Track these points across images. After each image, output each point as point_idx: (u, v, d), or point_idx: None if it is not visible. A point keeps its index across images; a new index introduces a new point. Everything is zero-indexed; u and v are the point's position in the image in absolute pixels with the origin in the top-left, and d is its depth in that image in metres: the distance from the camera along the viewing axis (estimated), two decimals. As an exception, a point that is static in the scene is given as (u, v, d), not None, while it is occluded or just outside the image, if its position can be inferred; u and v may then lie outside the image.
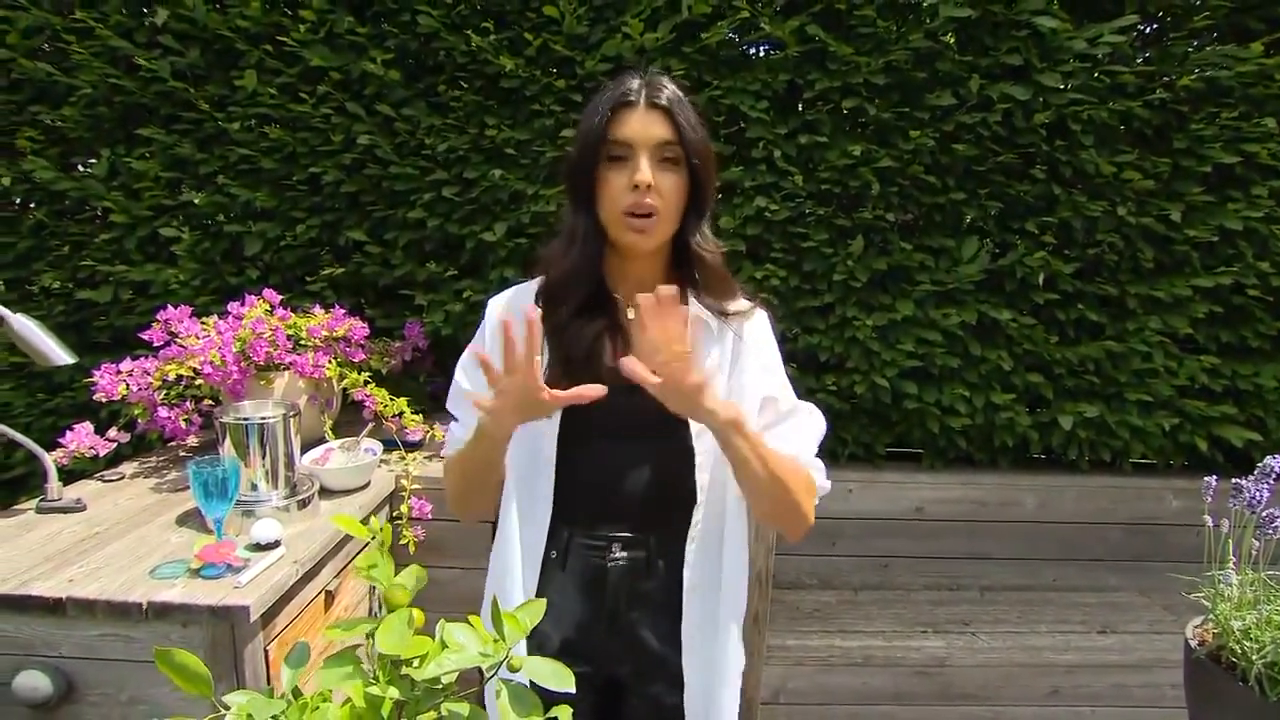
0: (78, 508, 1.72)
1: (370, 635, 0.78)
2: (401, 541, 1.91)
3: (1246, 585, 1.13)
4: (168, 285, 2.49)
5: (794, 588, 2.52)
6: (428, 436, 2.10)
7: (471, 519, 1.24)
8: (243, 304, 2.05)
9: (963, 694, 2.43)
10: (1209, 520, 1.15)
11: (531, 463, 1.13)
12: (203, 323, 2.00)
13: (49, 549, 1.51)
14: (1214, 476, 1.18)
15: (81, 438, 1.87)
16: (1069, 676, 2.49)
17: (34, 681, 1.34)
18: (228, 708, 0.72)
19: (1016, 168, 2.37)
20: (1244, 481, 1.11)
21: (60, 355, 1.66)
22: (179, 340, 1.95)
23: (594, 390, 0.95)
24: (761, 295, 1.27)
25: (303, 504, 1.69)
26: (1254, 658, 1.07)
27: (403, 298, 2.53)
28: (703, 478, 1.15)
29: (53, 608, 1.34)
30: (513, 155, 2.36)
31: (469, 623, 0.77)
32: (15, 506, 1.74)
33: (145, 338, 2.00)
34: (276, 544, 1.52)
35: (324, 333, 2.08)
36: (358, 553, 1.86)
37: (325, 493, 1.83)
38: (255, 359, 1.93)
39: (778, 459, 1.05)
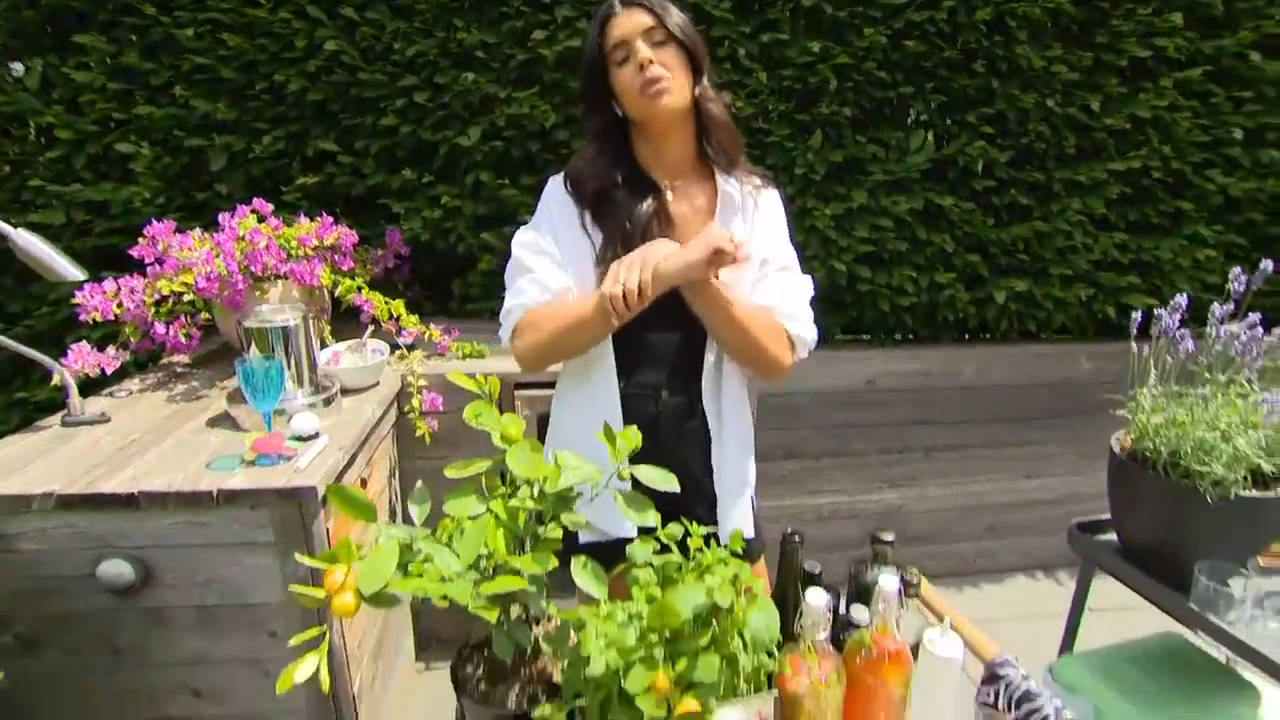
0: (103, 420, 1.78)
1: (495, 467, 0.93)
2: (417, 433, 2.04)
3: (1159, 397, 1.41)
4: (129, 204, 2.43)
5: (764, 459, 2.79)
6: (425, 336, 2.20)
7: (536, 371, 1.38)
8: (232, 215, 2.06)
9: (917, 536, 2.80)
10: (1134, 347, 1.41)
11: None
12: (195, 236, 2.01)
13: (94, 456, 1.58)
14: (1139, 311, 1.44)
15: (85, 356, 1.89)
16: (1002, 514, 2.90)
17: (117, 569, 1.45)
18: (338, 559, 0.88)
19: (959, 63, 2.54)
20: (1162, 312, 1.38)
21: (70, 270, 1.67)
22: (174, 254, 1.96)
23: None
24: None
25: (328, 401, 1.80)
26: (1162, 450, 1.36)
27: (376, 207, 2.55)
28: None
29: (126, 502, 1.43)
30: (482, 59, 2.37)
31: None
32: (38, 423, 1.77)
33: (135, 254, 1.99)
34: (316, 435, 1.63)
35: (315, 241, 2.12)
36: (379, 444, 1.99)
37: (342, 391, 1.93)
38: (254, 270, 1.97)
39: (742, 306, 1.27)
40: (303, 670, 0.82)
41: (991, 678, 1.12)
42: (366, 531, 1.76)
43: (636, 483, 0.95)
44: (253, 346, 1.70)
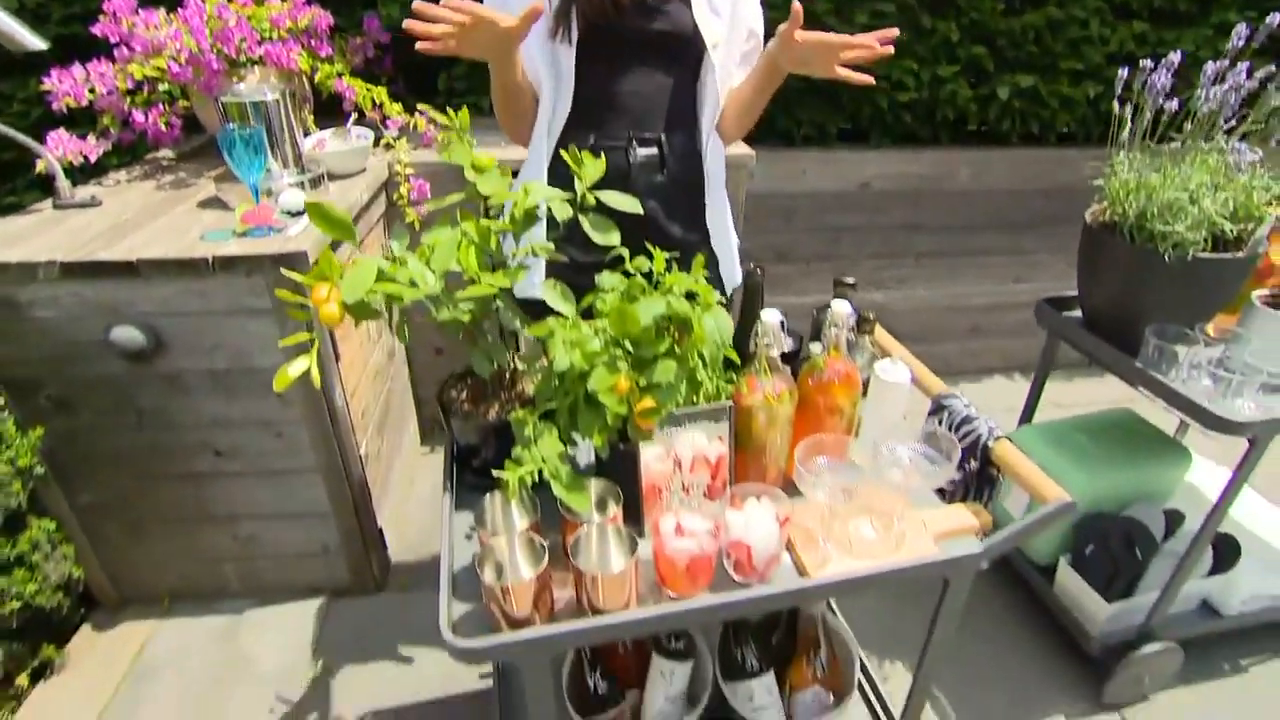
0: (94, 204, 1.80)
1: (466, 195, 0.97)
2: (406, 220, 2.07)
3: (1134, 162, 1.41)
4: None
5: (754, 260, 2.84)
6: (411, 126, 2.16)
7: (525, 140, 1.39)
8: (197, -9, 1.95)
9: (901, 336, 2.89)
10: (1116, 107, 1.40)
11: (556, 80, 1.27)
12: (161, 16, 1.92)
13: (89, 233, 1.62)
14: (1126, 68, 1.40)
15: (66, 143, 1.88)
16: (985, 315, 2.98)
17: (128, 334, 1.54)
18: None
19: None
20: (1149, 64, 1.35)
21: (32, 40, 1.63)
22: (140, 33, 1.88)
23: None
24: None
25: (314, 183, 1.81)
26: (1129, 212, 1.38)
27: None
28: (705, 92, 1.35)
29: (127, 270, 1.49)
30: None
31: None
32: (30, 207, 1.80)
33: (98, 33, 1.92)
34: (304, 212, 1.66)
35: (288, 23, 2.03)
36: (369, 230, 2.03)
37: (330, 177, 1.93)
38: (227, 50, 1.91)
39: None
40: (295, 367, 0.90)
41: (937, 408, 1.22)
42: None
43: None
44: (233, 120, 1.68)
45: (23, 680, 1.74)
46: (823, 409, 1.09)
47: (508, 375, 1.12)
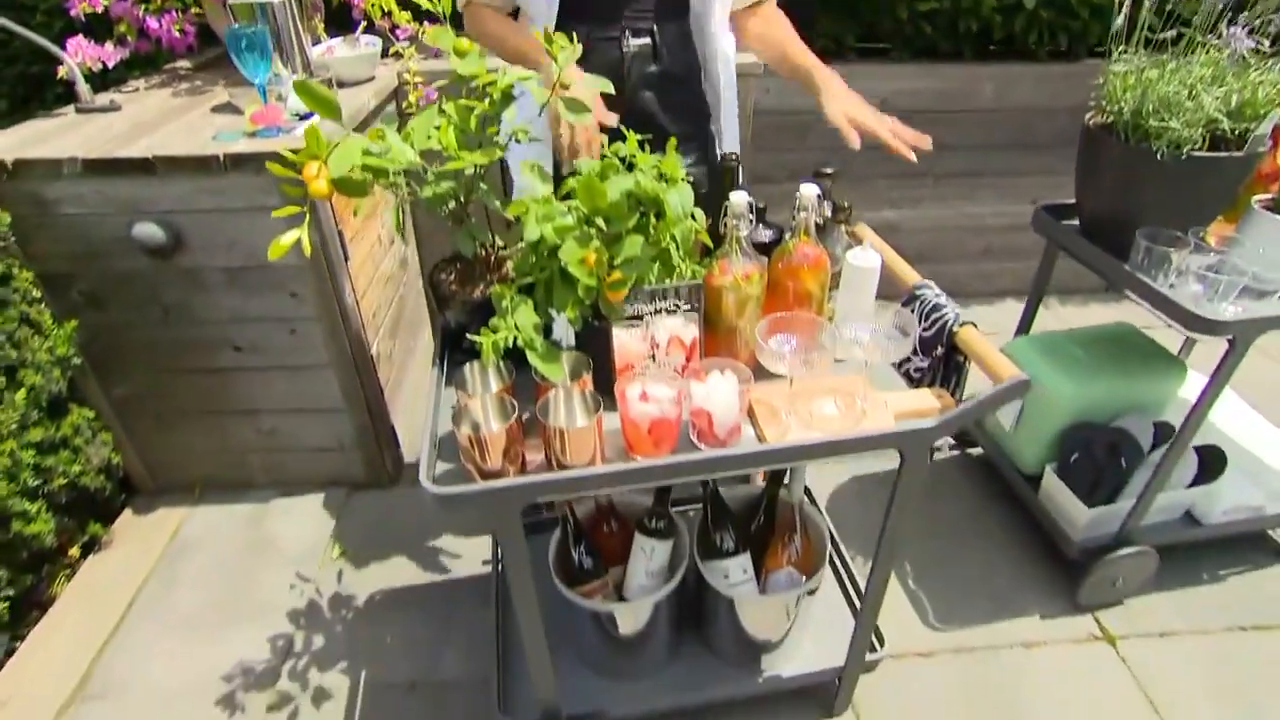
0: (114, 108, 1.87)
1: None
2: (416, 132, 2.11)
3: (1135, 50, 1.39)
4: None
5: (765, 181, 2.82)
6: (419, 33, 2.17)
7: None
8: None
9: (912, 256, 2.87)
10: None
11: None
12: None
13: (109, 134, 1.70)
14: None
15: (85, 49, 1.94)
16: (1001, 236, 2.94)
17: (149, 230, 1.62)
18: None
19: None
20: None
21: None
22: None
23: None
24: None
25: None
26: (1125, 110, 1.37)
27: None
28: None
29: (144, 167, 1.57)
30: None
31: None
32: (54, 111, 1.88)
33: (113, -61, 1.95)
34: (312, 114, 1.71)
35: (296, -73, 2.03)
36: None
37: (339, 84, 1.97)
38: (235, -45, 1.93)
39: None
40: (288, 236, 0.96)
41: (910, 298, 1.25)
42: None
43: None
44: (240, 21, 1.72)
45: (74, 552, 1.91)
46: (791, 293, 1.13)
47: (493, 257, 1.18)
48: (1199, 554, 1.89)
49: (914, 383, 1.22)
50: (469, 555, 1.92)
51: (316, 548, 1.95)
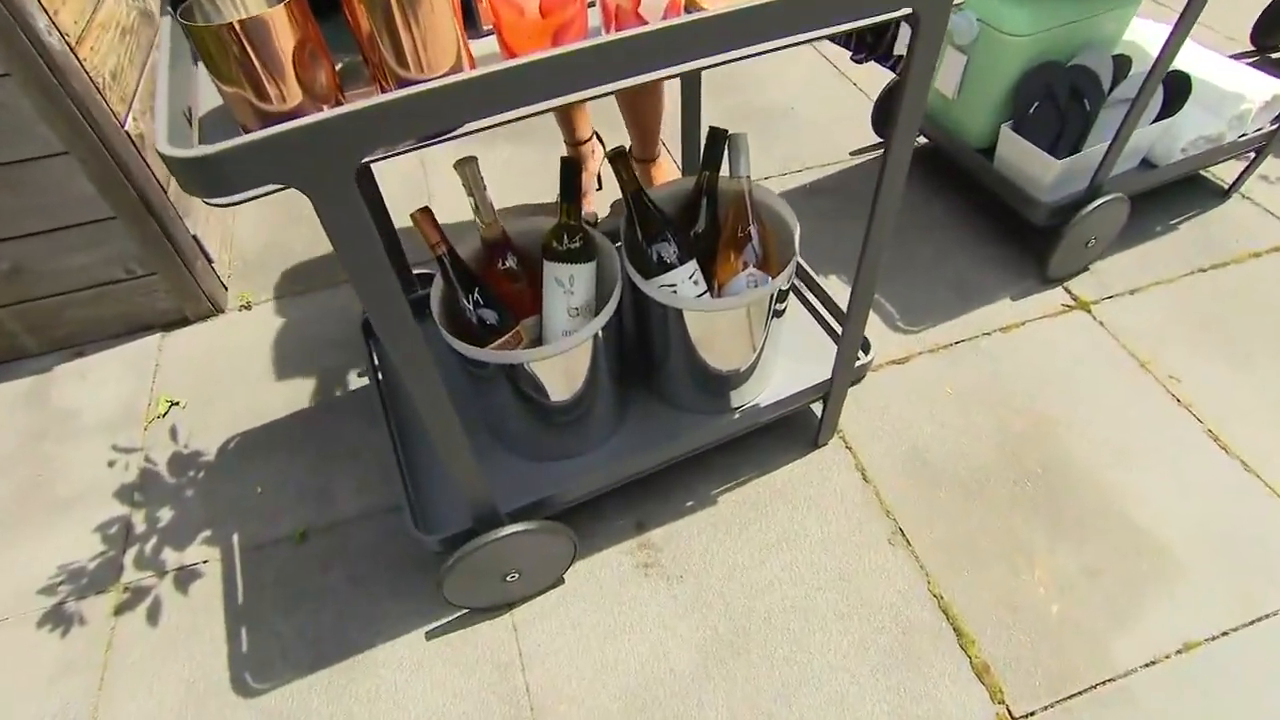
0: None
1: None
2: None
3: None
4: None
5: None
6: None
7: None
8: None
9: None
10: None
11: None
12: None
13: None
14: None
15: None
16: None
17: None
18: None
19: None
20: None
21: None
22: None
23: None
24: None
25: None
26: None
27: None
28: None
29: None
30: None
31: None
32: None
33: None
34: None
35: None
36: None
37: None
38: None
39: None
40: None
41: None
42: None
43: None
44: None
45: None
46: None
47: None
48: (1150, 207, 1.74)
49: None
50: (337, 372, 1.51)
51: (134, 409, 1.48)
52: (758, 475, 1.30)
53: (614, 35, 0.59)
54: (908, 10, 0.72)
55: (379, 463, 1.36)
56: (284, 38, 0.52)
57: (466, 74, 0.56)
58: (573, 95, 0.62)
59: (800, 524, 1.24)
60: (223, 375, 1.52)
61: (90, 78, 1.29)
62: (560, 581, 1.18)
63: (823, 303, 1.33)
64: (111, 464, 1.40)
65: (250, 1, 0.64)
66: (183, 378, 1.53)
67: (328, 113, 0.54)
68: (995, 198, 1.63)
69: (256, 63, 0.52)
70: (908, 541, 1.21)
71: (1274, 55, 2.22)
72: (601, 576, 1.19)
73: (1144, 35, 1.67)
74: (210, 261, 1.61)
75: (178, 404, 1.48)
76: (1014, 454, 1.32)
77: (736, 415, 1.18)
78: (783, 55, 1.15)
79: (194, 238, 1.55)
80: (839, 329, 1.29)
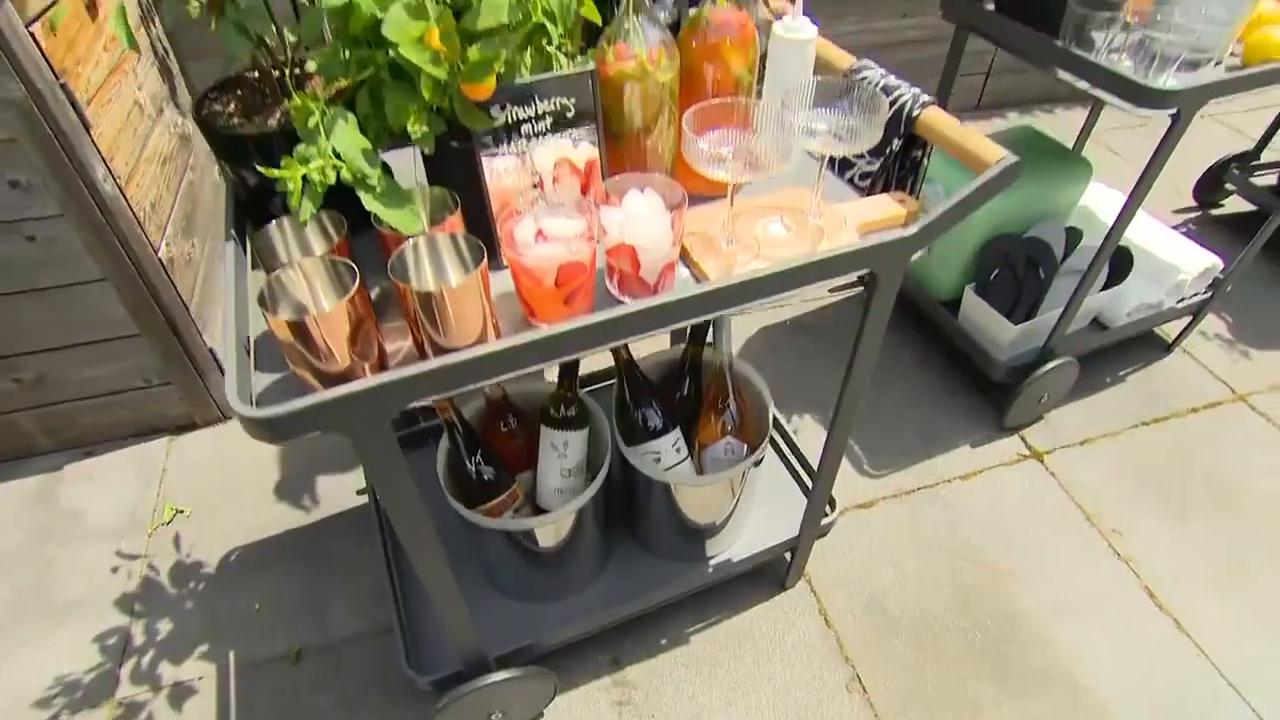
0: None
1: None
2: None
3: None
4: None
5: None
6: None
7: None
8: None
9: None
10: None
11: None
12: None
13: None
14: None
15: None
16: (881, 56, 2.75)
17: None
18: None
19: None
20: None
21: None
22: None
23: None
24: None
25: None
26: None
27: None
28: None
29: None
30: None
31: None
32: None
33: None
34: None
35: None
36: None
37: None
38: None
39: None
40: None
41: (849, 86, 1.00)
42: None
43: None
44: None
45: None
46: (710, 80, 0.85)
47: (288, 65, 0.80)
48: (1101, 360, 1.89)
49: (862, 191, 1.00)
50: (338, 487, 1.60)
51: (139, 514, 1.55)
52: (728, 616, 1.39)
53: (617, 311, 0.71)
54: (869, 268, 0.85)
55: (374, 583, 1.43)
56: (346, 325, 0.64)
57: (493, 346, 0.67)
58: (580, 354, 0.73)
59: (765, 668, 1.32)
60: (227, 484, 1.60)
61: (134, 213, 1.41)
62: (540, 717, 1.25)
63: (795, 456, 1.44)
64: (115, 570, 1.46)
65: (313, 232, 0.75)
66: (189, 484, 1.60)
67: (377, 378, 0.65)
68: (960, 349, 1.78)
69: (319, 342, 0.63)
70: (864, 689, 1.30)
71: (1214, 211, 2.43)
72: (579, 714, 1.26)
73: (1095, 201, 1.85)
74: (223, 372, 1.70)
75: (182, 512, 1.55)
76: (966, 604, 1.42)
77: (712, 567, 1.27)
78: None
79: (210, 351, 1.65)
80: (809, 481, 1.40)
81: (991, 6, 1.47)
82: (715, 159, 0.74)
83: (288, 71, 0.81)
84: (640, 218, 0.72)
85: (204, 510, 1.56)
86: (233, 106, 0.82)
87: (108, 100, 1.39)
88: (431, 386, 0.67)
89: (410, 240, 0.69)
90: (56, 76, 1.21)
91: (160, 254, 1.49)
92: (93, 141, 1.30)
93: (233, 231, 0.83)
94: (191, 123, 1.83)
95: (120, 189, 1.37)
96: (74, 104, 1.25)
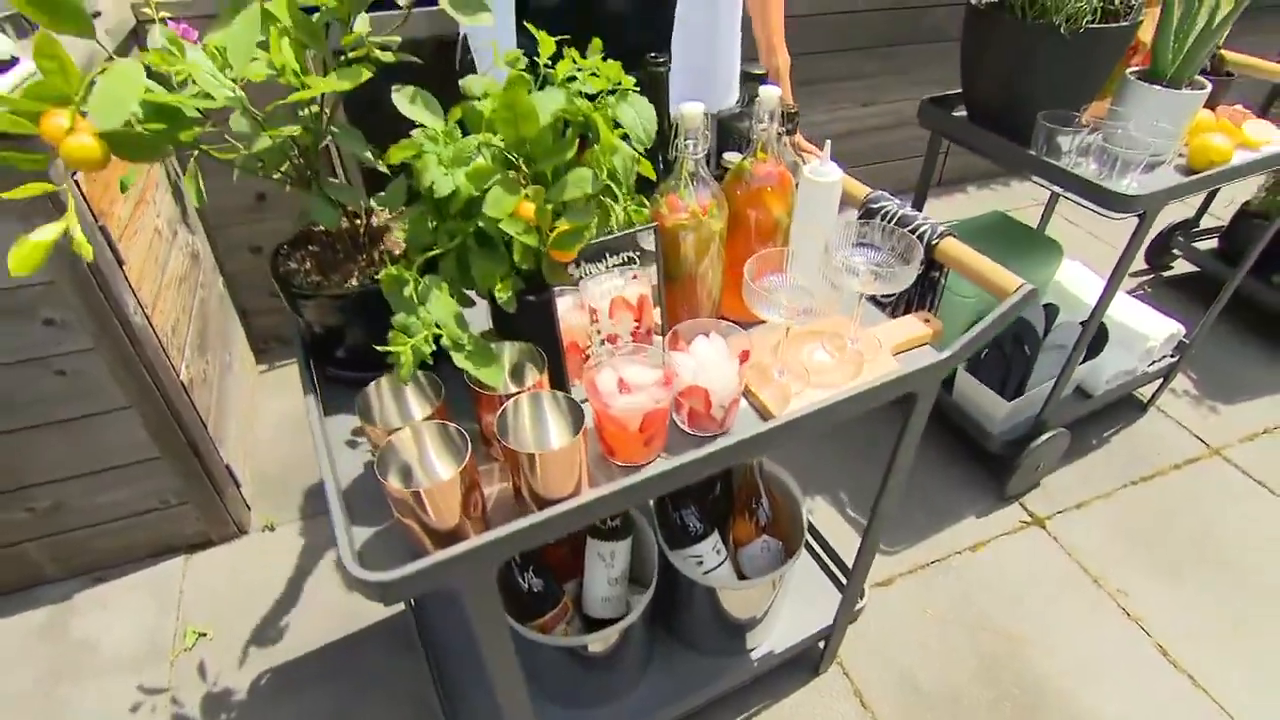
0: None
1: None
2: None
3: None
4: None
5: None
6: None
7: None
8: None
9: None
10: None
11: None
12: None
13: None
14: None
15: None
16: (841, 143, 2.93)
17: None
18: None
19: None
20: None
21: None
22: None
23: None
24: None
25: (23, 30, 1.33)
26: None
27: None
28: None
29: None
30: None
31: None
32: None
33: None
34: (15, 60, 1.22)
35: None
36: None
37: (51, 30, 1.44)
38: None
39: None
40: (39, 235, 0.60)
41: (869, 212, 1.10)
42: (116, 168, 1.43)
43: None
44: None
45: None
46: (754, 224, 0.93)
47: (363, 228, 0.86)
48: (1086, 425, 2.00)
49: (885, 309, 1.08)
50: (358, 598, 1.58)
51: (159, 640, 1.52)
52: (769, 704, 1.41)
53: (703, 451, 0.77)
54: (910, 390, 0.92)
55: (410, 697, 1.41)
56: (459, 490, 0.68)
57: (594, 493, 0.72)
58: (666, 490, 0.78)
59: (810, 758, 1.34)
60: (249, 603, 1.58)
61: (158, 339, 1.43)
62: (591, 829, 1.25)
63: (826, 553, 1.49)
64: (136, 708, 1.42)
65: (413, 395, 0.79)
66: (209, 605, 1.58)
67: (489, 536, 0.68)
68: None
69: (434, 506, 0.67)
70: (908, 773, 1.33)
71: (1165, 274, 2.62)
72: (631, 823, 1.26)
73: (1066, 276, 1.99)
74: (239, 487, 1.70)
75: (205, 635, 1.52)
76: (991, 674, 1.47)
77: (755, 660, 1.30)
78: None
79: (227, 467, 1.65)
80: (833, 567, 1.45)
81: (964, 114, 1.61)
82: (773, 304, 0.81)
83: (362, 230, 0.87)
84: (711, 364, 0.79)
85: (226, 631, 1.53)
86: (308, 264, 0.86)
87: (134, 233, 1.43)
88: (537, 536, 0.71)
89: (510, 401, 0.73)
90: (95, 219, 1.25)
91: (181, 376, 1.51)
92: (125, 276, 1.32)
93: (312, 384, 0.86)
94: (199, 237, 1.87)
95: (148, 318, 1.39)
96: (110, 243, 1.28)
